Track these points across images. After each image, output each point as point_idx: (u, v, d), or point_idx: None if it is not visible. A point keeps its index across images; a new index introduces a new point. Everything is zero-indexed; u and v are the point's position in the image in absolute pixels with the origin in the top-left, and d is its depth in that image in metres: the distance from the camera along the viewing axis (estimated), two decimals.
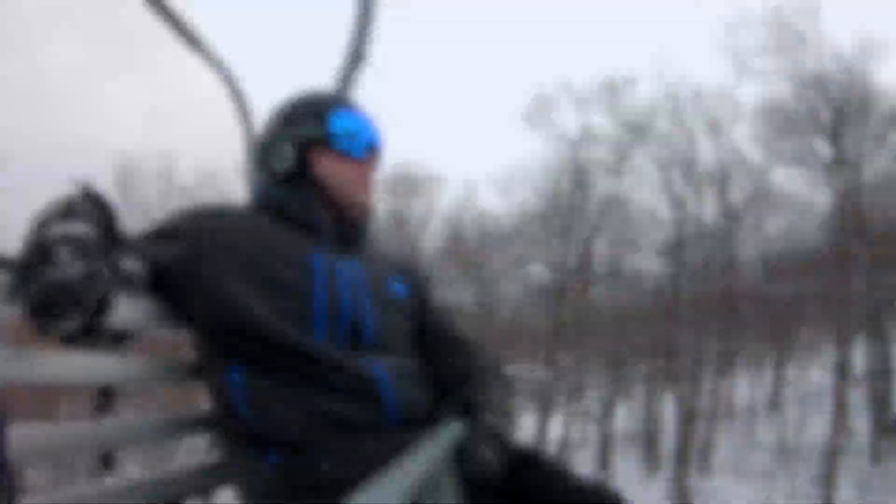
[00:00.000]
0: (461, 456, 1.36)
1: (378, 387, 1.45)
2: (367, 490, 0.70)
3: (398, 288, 1.66)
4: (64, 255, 1.05)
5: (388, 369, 1.48)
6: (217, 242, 1.46)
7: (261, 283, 1.45)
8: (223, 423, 1.48)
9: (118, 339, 1.43)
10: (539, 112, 24.08)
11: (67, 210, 1.13)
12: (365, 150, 1.63)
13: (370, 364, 1.47)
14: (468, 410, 1.49)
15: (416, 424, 1.46)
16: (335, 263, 1.54)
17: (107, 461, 1.35)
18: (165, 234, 1.47)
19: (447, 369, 1.67)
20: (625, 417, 24.79)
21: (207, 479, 1.60)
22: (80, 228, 1.10)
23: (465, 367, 1.66)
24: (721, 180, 22.40)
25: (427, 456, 1.02)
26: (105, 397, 1.37)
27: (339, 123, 1.61)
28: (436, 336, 1.71)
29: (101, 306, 1.06)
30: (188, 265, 1.43)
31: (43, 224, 1.11)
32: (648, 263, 24.31)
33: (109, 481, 1.31)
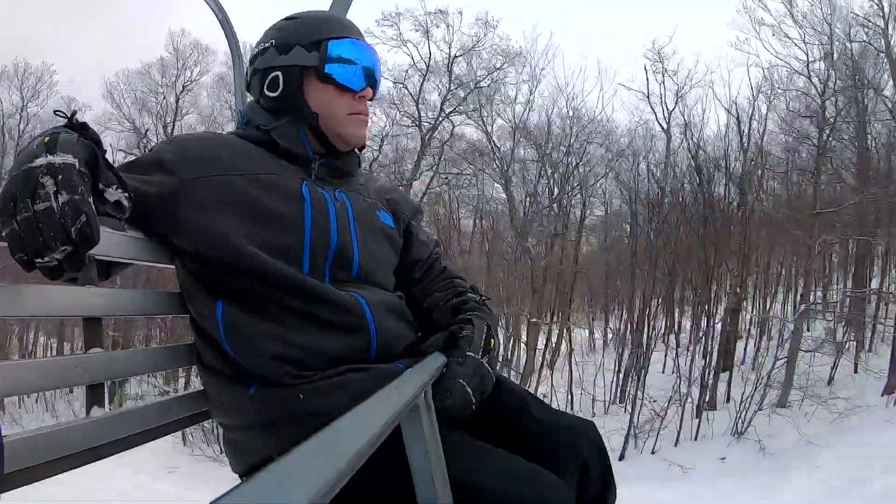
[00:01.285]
0: (440, 388, 1.38)
1: (361, 319, 1.47)
2: (345, 420, 0.71)
3: (386, 219, 1.66)
4: (48, 185, 1.04)
5: (372, 301, 1.49)
6: (203, 172, 1.45)
7: (247, 215, 1.44)
8: (206, 355, 1.49)
9: (103, 271, 1.43)
10: None
11: (51, 141, 1.12)
12: (363, 80, 1.59)
13: (354, 296, 1.48)
14: (451, 344, 1.51)
15: (397, 356, 1.49)
16: (324, 194, 1.53)
17: (93, 393, 1.36)
18: (151, 164, 1.45)
19: (432, 302, 1.69)
20: None
21: (190, 410, 1.62)
22: (64, 159, 1.09)
23: (451, 301, 1.68)
24: None
25: (407, 388, 1.04)
26: (91, 330, 1.38)
27: (335, 52, 1.55)
28: (423, 269, 1.72)
29: (86, 238, 1.05)
30: (173, 196, 1.41)
31: (27, 155, 1.09)
32: None
33: (96, 412, 1.33)
